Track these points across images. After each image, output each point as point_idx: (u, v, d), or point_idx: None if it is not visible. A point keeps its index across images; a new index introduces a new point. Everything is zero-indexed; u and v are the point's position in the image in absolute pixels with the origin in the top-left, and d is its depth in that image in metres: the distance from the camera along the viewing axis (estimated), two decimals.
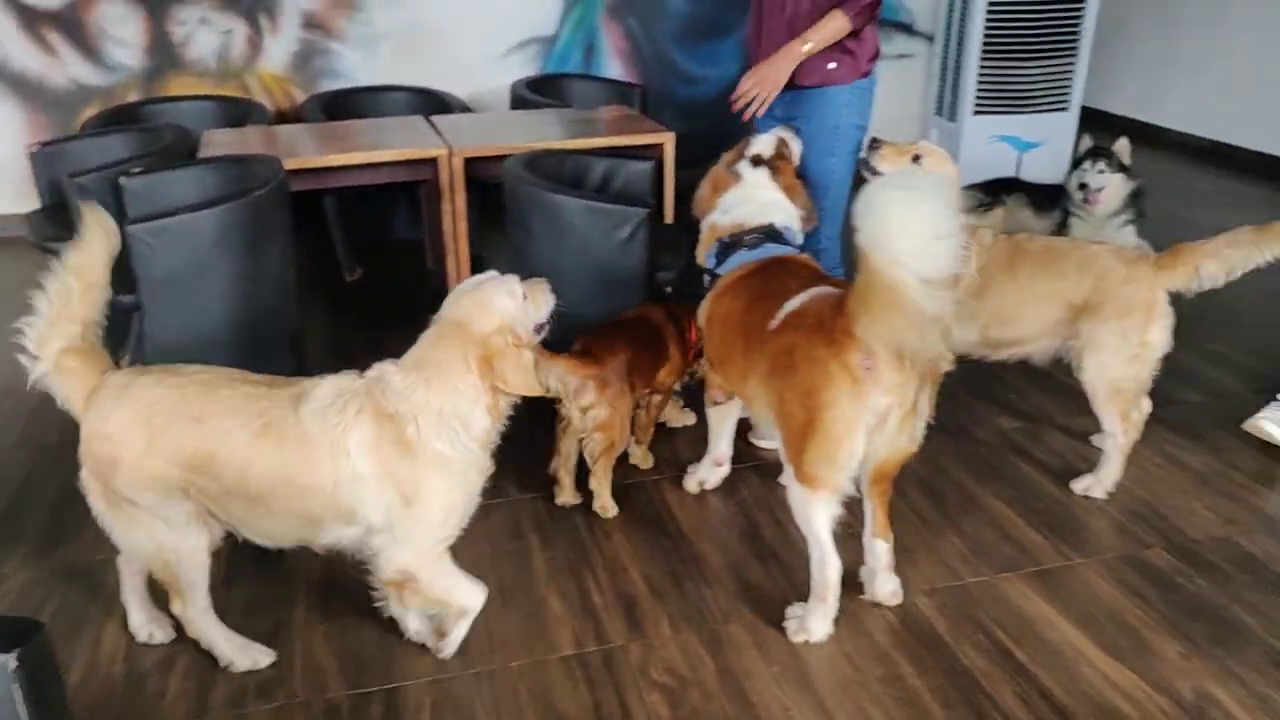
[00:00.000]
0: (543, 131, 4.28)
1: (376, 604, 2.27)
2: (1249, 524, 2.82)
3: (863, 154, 3.09)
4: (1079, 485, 2.99)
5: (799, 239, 2.79)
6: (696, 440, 3.15)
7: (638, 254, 3.26)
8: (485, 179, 4.12)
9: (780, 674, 2.27)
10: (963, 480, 3.05)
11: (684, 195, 3.29)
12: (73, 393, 2.10)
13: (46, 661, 1.26)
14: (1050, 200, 4.86)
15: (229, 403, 2.07)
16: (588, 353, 2.78)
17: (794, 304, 2.30)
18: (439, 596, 2.21)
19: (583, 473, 2.92)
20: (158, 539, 2.12)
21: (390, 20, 5.42)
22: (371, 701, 2.21)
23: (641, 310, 3.07)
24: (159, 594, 2.33)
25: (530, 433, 2.66)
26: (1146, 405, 3.07)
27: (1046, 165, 5.87)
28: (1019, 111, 6.02)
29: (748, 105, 3.16)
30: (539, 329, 2.30)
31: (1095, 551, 2.71)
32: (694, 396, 3.21)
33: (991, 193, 5.15)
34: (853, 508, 2.37)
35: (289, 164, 3.53)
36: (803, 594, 2.41)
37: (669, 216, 4.15)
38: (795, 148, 3.01)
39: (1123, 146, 4.55)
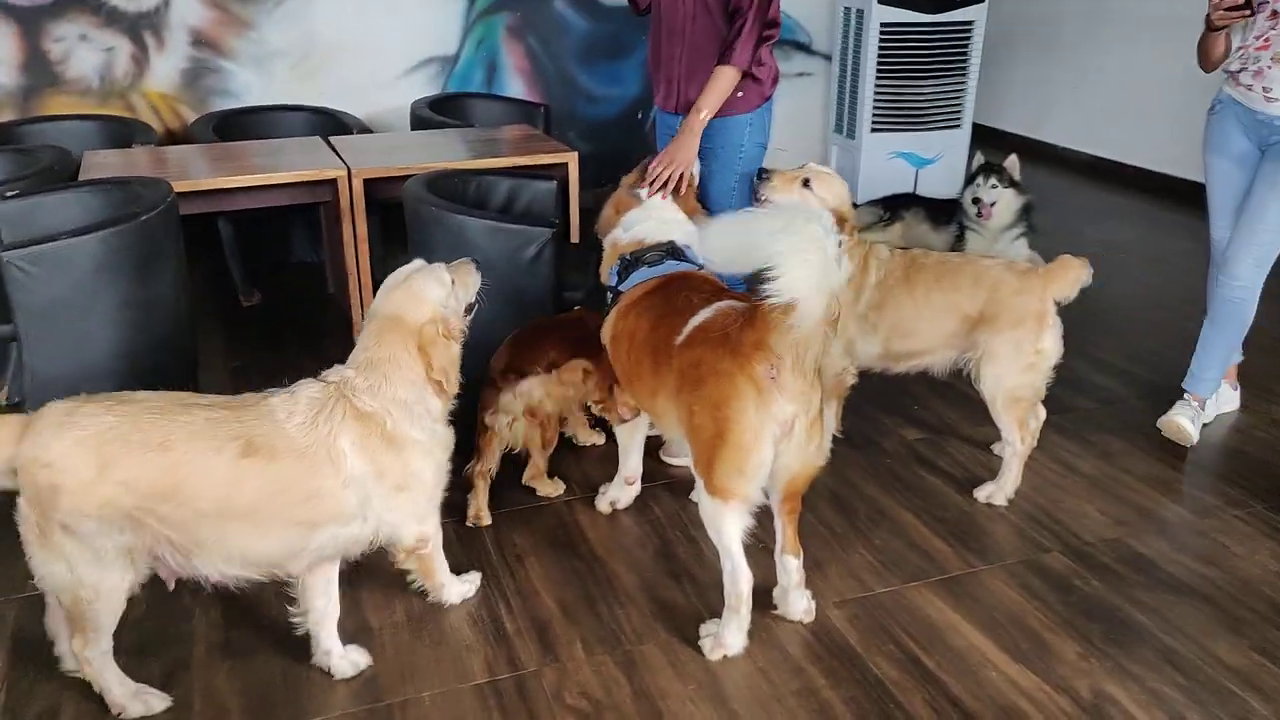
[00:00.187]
0: (445, 151, 4.23)
1: (292, 626, 2.19)
2: (1139, 526, 2.93)
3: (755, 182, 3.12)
4: (981, 493, 3.07)
5: (699, 258, 2.81)
6: (607, 461, 3.14)
7: (544, 274, 3.24)
8: (386, 200, 4.05)
9: (695, 692, 2.27)
10: (871, 492, 3.11)
11: (589, 214, 3.29)
12: None
13: None
14: (946, 215, 5.03)
15: (192, 428, 2.04)
16: (510, 357, 2.86)
17: (699, 319, 2.32)
18: (436, 565, 2.46)
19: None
20: (79, 574, 2.02)
21: (284, 38, 5.29)
22: None
23: (579, 312, 3.08)
24: None
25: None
26: (1041, 413, 3.18)
27: (942, 181, 6.07)
28: (914, 129, 6.20)
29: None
30: (469, 310, 2.44)
31: (998, 558, 2.78)
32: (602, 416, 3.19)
33: (890, 208, 5.30)
34: (764, 524, 2.38)
35: (179, 186, 3.41)
36: (716, 611, 2.42)
37: (575, 236, 4.14)
38: (695, 171, 3.05)
39: (1013, 163, 4.73)
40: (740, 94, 3.17)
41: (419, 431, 2.23)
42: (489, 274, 2.54)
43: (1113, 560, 2.77)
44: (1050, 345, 2.92)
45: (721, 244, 2.28)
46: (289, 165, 3.87)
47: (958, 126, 6.28)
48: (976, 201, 4.68)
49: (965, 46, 6.08)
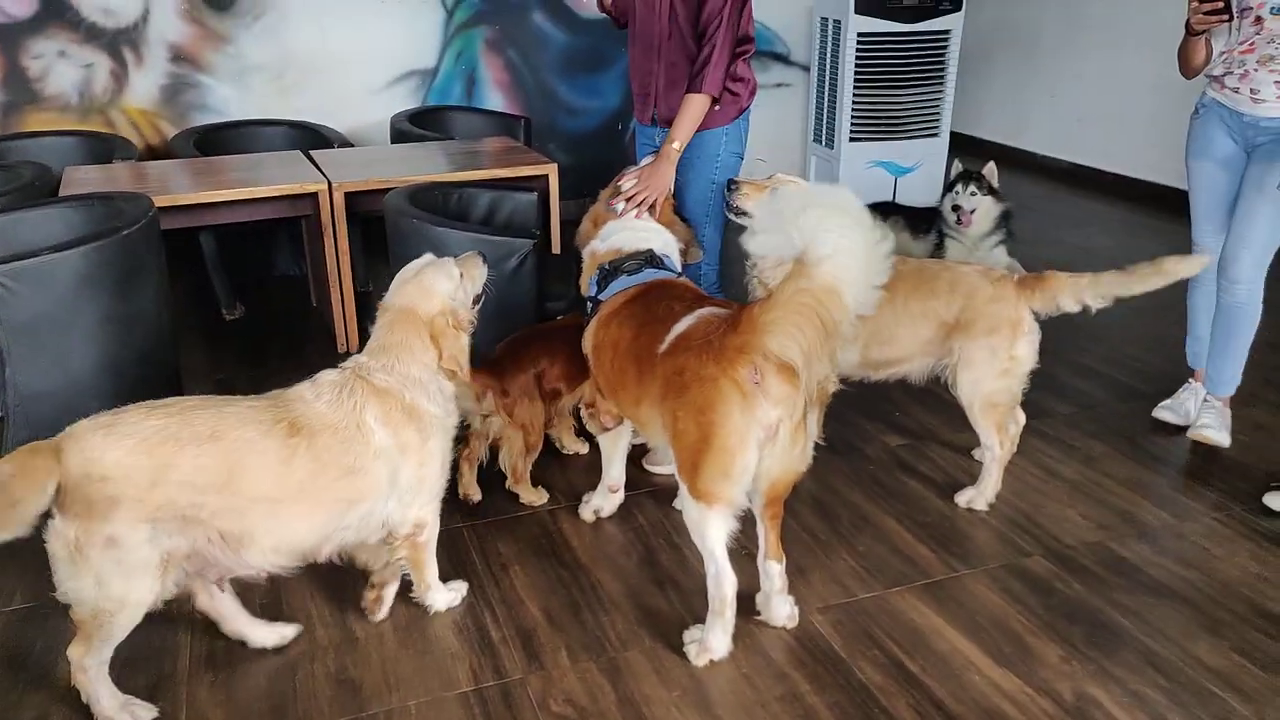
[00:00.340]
0: (425, 164, 4.24)
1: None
2: (1120, 529, 2.96)
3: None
4: (962, 498, 3.09)
5: (677, 267, 2.83)
6: (591, 470, 3.14)
7: (526, 284, 3.26)
8: (368, 214, 4.07)
9: (680, 698, 2.27)
10: (853, 498, 3.12)
11: (571, 226, 3.30)
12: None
13: None
14: (926, 223, 5.06)
15: (237, 416, 2.11)
16: (497, 362, 2.91)
17: (682, 326, 2.34)
18: (426, 558, 2.48)
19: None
20: (108, 588, 2.02)
21: (262, 53, 5.30)
22: None
23: (573, 318, 3.11)
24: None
25: None
26: (1021, 418, 3.21)
27: (921, 189, 6.12)
28: (893, 138, 6.24)
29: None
30: (477, 300, 2.55)
31: (979, 562, 2.80)
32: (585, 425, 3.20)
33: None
34: (747, 530, 2.39)
35: (160, 201, 3.42)
36: (700, 617, 2.42)
37: (556, 247, 4.16)
38: (670, 186, 3.09)
39: (991, 170, 4.77)
40: (718, 108, 3.20)
41: (434, 406, 2.35)
42: None
43: (1094, 563, 2.79)
44: (1025, 352, 2.93)
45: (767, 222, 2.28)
46: (270, 179, 3.88)
47: (936, 135, 6.33)
48: (956, 209, 4.72)
49: (942, 55, 6.14)
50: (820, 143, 6.44)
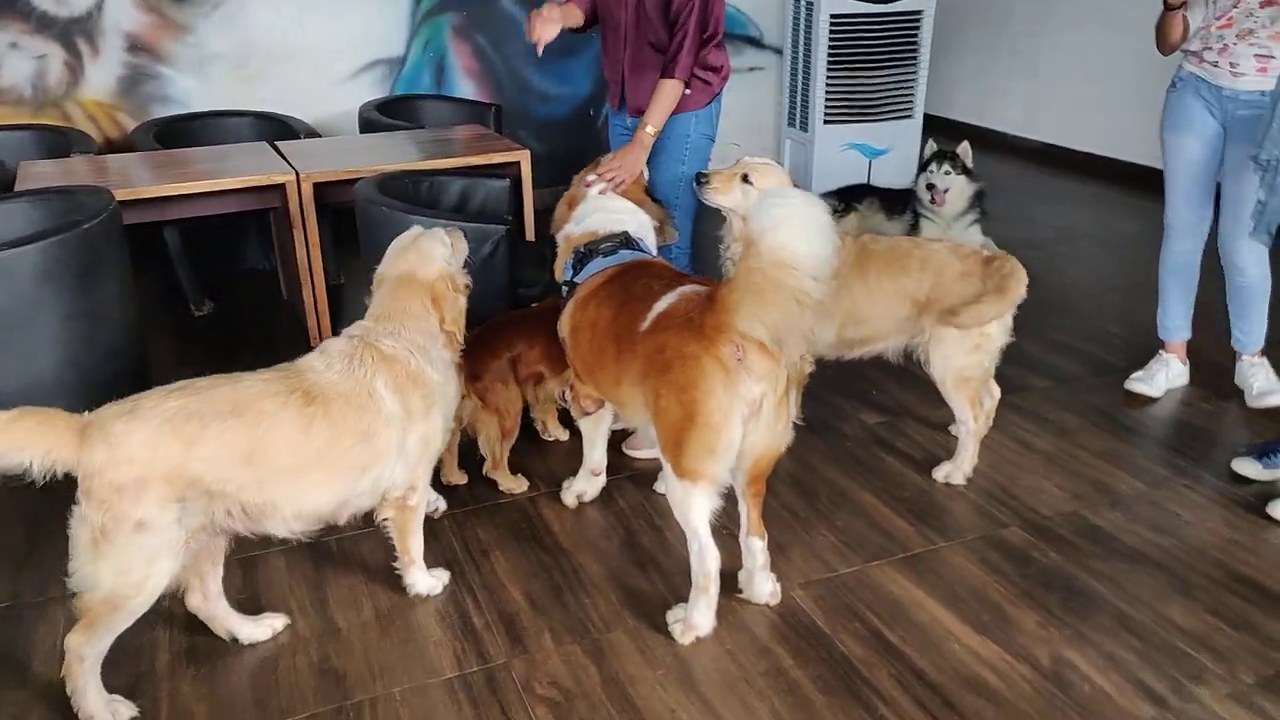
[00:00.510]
0: (395, 153, 4.21)
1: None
2: (1095, 499, 2.99)
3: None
4: (939, 473, 3.12)
5: (653, 248, 2.83)
6: (571, 456, 3.14)
7: (499, 271, 3.24)
8: (338, 205, 4.03)
9: (664, 677, 2.28)
10: (832, 476, 3.14)
11: (544, 213, 3.30)
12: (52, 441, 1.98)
13: None
14: (901, 204, 5.08)
15: (254, 390, 2.15)
16: (470, 346, 2.85)
17: (662, 304, 2.34)
18: (414, 525, 2.50)
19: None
20: (129, 572, 2.03)
21: (223, 42, 5.21)
22: None
23: (550, 302, 3.10)
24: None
25: None
26: (996, 393, 3.23)
27: (895, 171, 6.14)
28: (866, 120, 6.26)
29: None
30: (466, 268, 2.63)
31: (957, 534, 2.82)
32: (568, 412, 3.20)
33: (844, 199, 5.35)
34: (728, 509, 2.40)
35: (121, 194, 3.37)
36: (683, 597, 2.43)
37: (530, 233, 4.14)
38: (643, 170, 3.10)
39: (965, 149, 4.79)
40: (688, 92, 3.21)
41: (436, 373, 2.41)
42: None
43: (1069, 533, 2.82)
44: (995, 328, 2.95)
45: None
46: (235, 171, 3.83)
47: (910, 117, 6.36)
48: (930, 188, 4.74)
49: (915, 36, 6.16)
50: (794, 126, 6.45)
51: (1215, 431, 3.37)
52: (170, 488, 2.01)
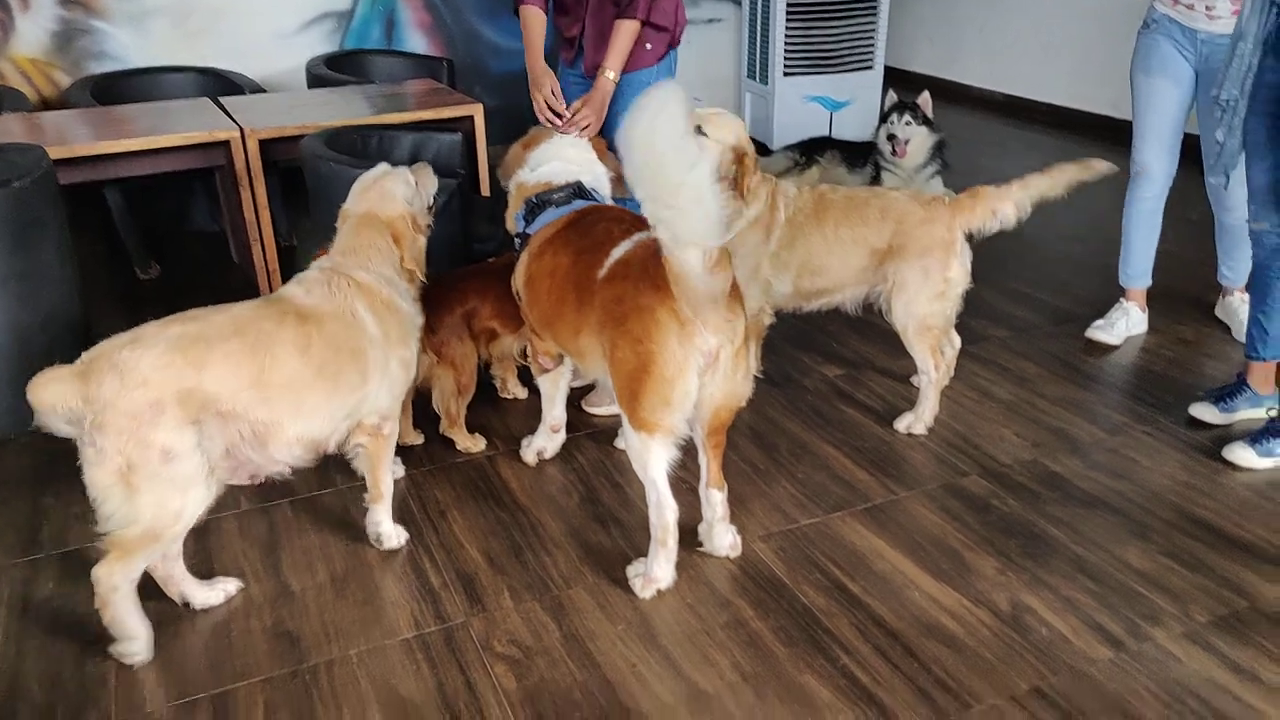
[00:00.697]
0: (344, 108, 4.09)
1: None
2: (1053, 446, 3.00)
3: None
4: (901, 423, 3.11)
5: (608, 200, 2.77)
6: (529, 414, 3.10)
7: (452, 226, 3.17)
8: (287, 163, 3.91)
9: (625, 631, 2.26)
10: (793, 429, 3.12)
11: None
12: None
13: None
14: (863, 156, 5.06)
15: (251, 313, 2.21)
16: (424, 299, 2.81)
17: (619, 251, 2.28)
18: (386, 454, 2.53)
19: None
20: (165, 504, 2.05)
21: None
22: (196, 711, 2.06)
23: (506, 258, 3.03)
24: None
25: None
26: (957, 341, 3.23)
27: (857, 124, 6.10)
28: (827, 72, 6.20)
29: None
30: (431, 209, 2.69)
31: (918, 483, 2.82)
32: (527, 369, 3.15)
33: (805, 152, 5.31)
34: (688, 462, 2.37)
35: (57, 153, 3.24)
36: (642, 551, 2.41)
37: (485, 189, 4.06)
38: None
39: (925, 100, 4.76)
40: (649, 45, 3.15)
41: (404, 302, 2.49)
42: None
43: (1029, 480, 2.83)
44: (958, 273, 2.94)
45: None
46: (177, 128, 3.70)
47: (870, 68, 6.31)
48: (891, 138, 4.71)
49: None
50: (754, 79, 6.37)
51: (1174, 378, 3.39)
52: (185, 410, 2.03)
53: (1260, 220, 2.81)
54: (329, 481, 2.83)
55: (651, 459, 2.25)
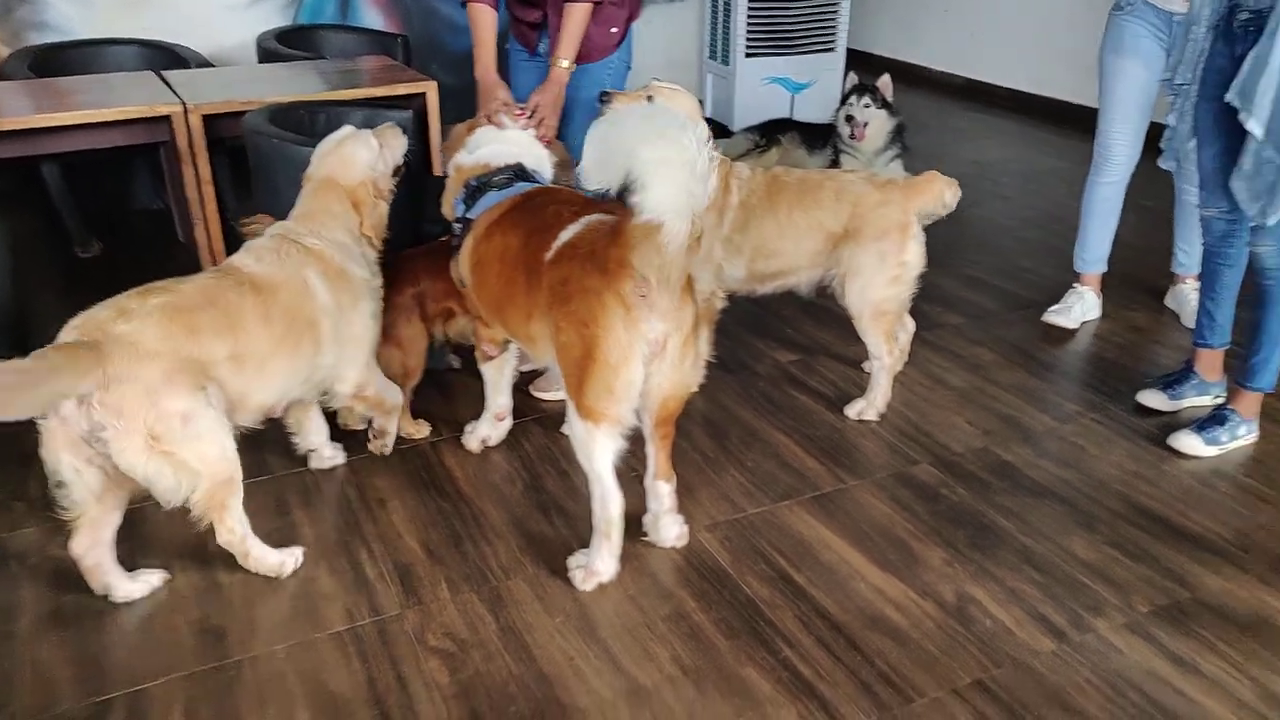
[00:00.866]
0: (292, 84, 3.98)
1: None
2: (1005, 434, 2.98)
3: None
4: (852, 410, 3.08)
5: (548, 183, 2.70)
6: (476, 399, 3.03)
7: (402, 204, 3.08)
8: (235, 140, 3.79)
9: (563, 624, 2.21)
10: (743, 415, 3.08)
11: None
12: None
13: None
14: (822, 139, 5.02)
15: (211, 286, 2.21)
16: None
17: (568, 234, 2.21)
18: (380, 397, 2.65)
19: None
20: (209, 458, 2.09)
21: None
22: (111, 709, 1.98)
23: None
24: None
25: None
26: (911, 326, 3.21)
27: (818, 106, 6.05)
28: (788, 53, 6.15)
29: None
30: (397, 172, 2.67)
31: (868, 472, 2.79)
32: (470, 353, 3.08)
33: (765, 134, 5.26)
34: (635, 451, 2.32)
35: None
36: (587, 542, 2.35)
37: (437, 168, 3.97)
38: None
39: (885, 83, 4.72)
40: (614, 29, 3.11)
41: (359, 269, 2.49)
42: None
43: (979, 469, 2.81)
44: (914, 257, 2.91)
45: (593, 154, 2.04)
46: (117, 101, 3.57)
47: (832, 50, 6.26)
48: (850, 120, 4.67)
49: None
50: (716, 60, 6.30)
51: (1125, 365, 3.39)
52: (190, 375, 2.05)
53: (1209, 206, 2.80)
54: (264, 467, 2.75)
55: (596, 449, 2.20)
